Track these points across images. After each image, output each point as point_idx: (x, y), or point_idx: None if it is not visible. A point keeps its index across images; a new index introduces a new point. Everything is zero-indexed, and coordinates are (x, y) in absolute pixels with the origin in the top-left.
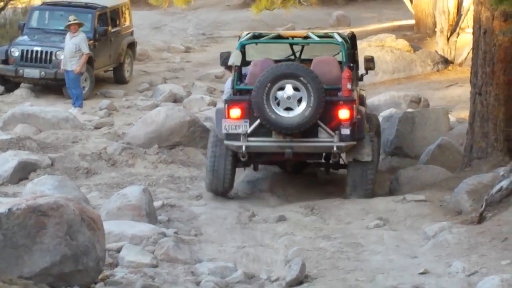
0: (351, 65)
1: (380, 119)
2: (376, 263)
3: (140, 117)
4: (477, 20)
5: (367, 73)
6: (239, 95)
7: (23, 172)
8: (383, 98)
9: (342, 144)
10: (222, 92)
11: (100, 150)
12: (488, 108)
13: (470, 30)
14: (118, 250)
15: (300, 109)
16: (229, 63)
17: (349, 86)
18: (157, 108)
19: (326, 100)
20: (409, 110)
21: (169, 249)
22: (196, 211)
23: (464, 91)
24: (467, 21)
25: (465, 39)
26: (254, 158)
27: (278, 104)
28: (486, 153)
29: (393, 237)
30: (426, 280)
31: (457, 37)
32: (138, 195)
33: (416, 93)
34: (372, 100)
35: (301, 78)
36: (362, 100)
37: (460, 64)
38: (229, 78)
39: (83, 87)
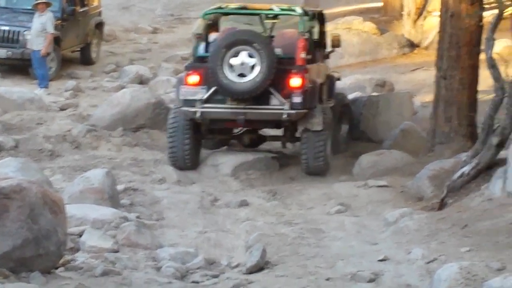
0: (307, 37)
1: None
2: (337, 249)
3: (106, 98)
4: (444, 3)
5: (333, 50)
6: (200, 62)
7: None
8: (349, 81)
9: (293, 111)
10: None
11: (64, 132)
12: (453, 92)
13: (437, 13)
14: (80, 235)
15: (253, 75)
16: (193, 31)
17: (302, 55)
18: (123, 90)
19: (280, 68)
20: (374, 94)
21: (131, 234)
22: (159, 195)
23: (429, 75)
24: (434, 4)
25: (432, 22)
26: (210, 125)
27: (232, 70)
28: (449, 138)
29: (354, 223)
30: (385, 267)
31: (424, 20)
32: (101, 179)
33: (381, 76)
34: (337, 83)
35: (255, 45)
36: (331, 80)
37: (426, 48)
38: None
39: (50, 68)
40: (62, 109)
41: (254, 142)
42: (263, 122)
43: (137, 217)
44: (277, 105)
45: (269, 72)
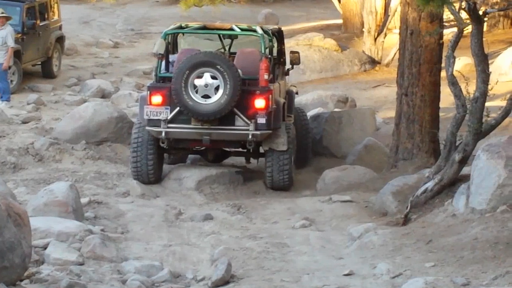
0: (269, 56)
1: (308, 118)
2: (302, 263)
3: (68, 112)
4: (404, 21)
5: (292, 67)
6: (162, 82)
7: None
8: (311, 97)
9: (258, 132)
10: None
11: (27, 145)
12: (414, 109)
13: (397, 30)
14: (44, 247)
15: (217, 97)
16: (153, 51)
17: (266, 76)
18: (85, 104)
19: (244, 89)
20: (336, 109)
21: (96, 246)
22: (123, 208)
23: (390, 92)
24: (394, 22)
25: (392, 39)
26: (174, 144)
27: (196, 91)
28: (412, 154)
29: (319, 238)
30: (351, 282)
31: (384, 37)
32: (65, 191)
33: (343, 93)
34: (299, 99)
35: (218, 67)
36: (290, 96)
37: (387, 65)
38: None
39: (11, 81)
40: (24, 122)
41: (218, 157)
42: (228, 142)
43: (102, 230)
44: (242, 125)
45: (234, 94)
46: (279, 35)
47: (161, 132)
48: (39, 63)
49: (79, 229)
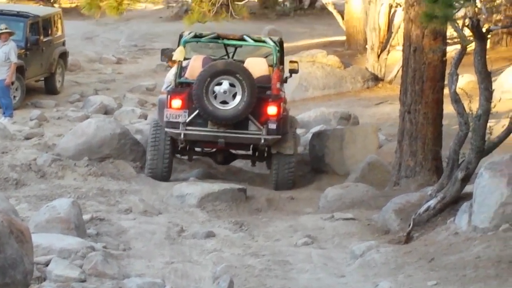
0: (281, 66)
1: (310, 135)
2: (304, 281)
3: (71, 128)
4: (407, 38)
5: (291, 76)
6: (180, 87)
7: None
8: (313, 114)
9: (269, 137)
10: (153, 104)
11: (30, 161)
12: (417, 126)
13: (400, 47)
14: (46, 264)
15: (235, 103)
16: (173, 58)
17: (278, 85)
18: (88, 120)
19: (258, 97)
20: (339, 127)
21: (98, 263)
22: (125, 225)
23: (393, 109)
24: (398, 39)
25: (395, 56)
26: (190, 145)
27: (215, 97)
28: (415, 172)
29: (321, 256)
30: None
31: (387, 54)
32: (67, 208)
33: (346, 110)
34: (302, 116)
35: (237, 75)
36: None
37: (390, 82)
38: (170, 71)
39: (14, 97)
40: (27, 138)
41: (226, 159)
42: (241, 145)
43: (104, 247)
44: (255, 130)
45: (251, 101)
46: (280, 45)
47: (179, 133)
48: (42, 79)
49: (81, 246)
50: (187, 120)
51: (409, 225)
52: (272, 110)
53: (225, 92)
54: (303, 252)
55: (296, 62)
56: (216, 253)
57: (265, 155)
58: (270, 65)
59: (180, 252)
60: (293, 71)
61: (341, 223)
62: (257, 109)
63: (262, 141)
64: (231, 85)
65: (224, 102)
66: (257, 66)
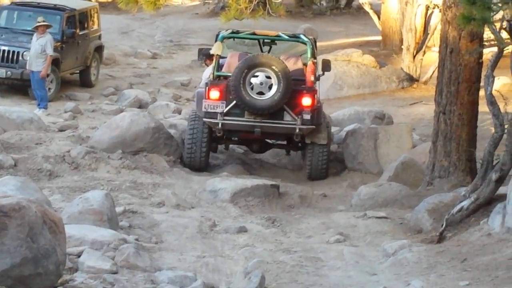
0: (315, 60)
1: (344, 133)
2: (335, 278)
3: (105, 121)
4: (444, 39)
5: (323, 74)
6: (218, 80)
7: None
8: (348, 112)
9: (304, 127)
10: (187, 99)
11: (63, 153)
12: (452, 127)
13: (436, 48)
14: (79, 255)
15: (271, 94)
16: (211, 52)
17: (312, 78)
18: (122, 113)
19: (293, 88)
20: (373, 126)
21: (129, 255)
22: (158, 218)
23: (428, 110)
24: (434, 40)
25: (431, 57)
26: (227, 135)
27: (252, 88)
28: (448, 172)
29: (353, 253)
30: None
31: (423, 55)
32: (100, 200)
33: (380, 109)
34: (336, 114)
35: (273, 67)
36: None
37: (425, 82)
38: (207, 68)
39: (49, 89)
40: (61, 130)
41: (261, 149)
42: (277, 134)
43: (136, 239)
44: (290, 120)
45: (286, 92)
46: (314, 44)
47: (217, 123)
48: (77, 71)
49: (114, 238)
50: (225, 111)
51: (442, 225)
52: (306, 101)
53: (261, 83)
54: (335, 249)
55: (328, 60)
56: (248, 248)
57: (300, 145)
58: (304, 64)
59: (212, 247)
60: (326, 69)
61: (374, 222)
62: (292, 101)
63: (297, 130)
64: (267, 77)
65: (261, 93)
66: (292, 61)
